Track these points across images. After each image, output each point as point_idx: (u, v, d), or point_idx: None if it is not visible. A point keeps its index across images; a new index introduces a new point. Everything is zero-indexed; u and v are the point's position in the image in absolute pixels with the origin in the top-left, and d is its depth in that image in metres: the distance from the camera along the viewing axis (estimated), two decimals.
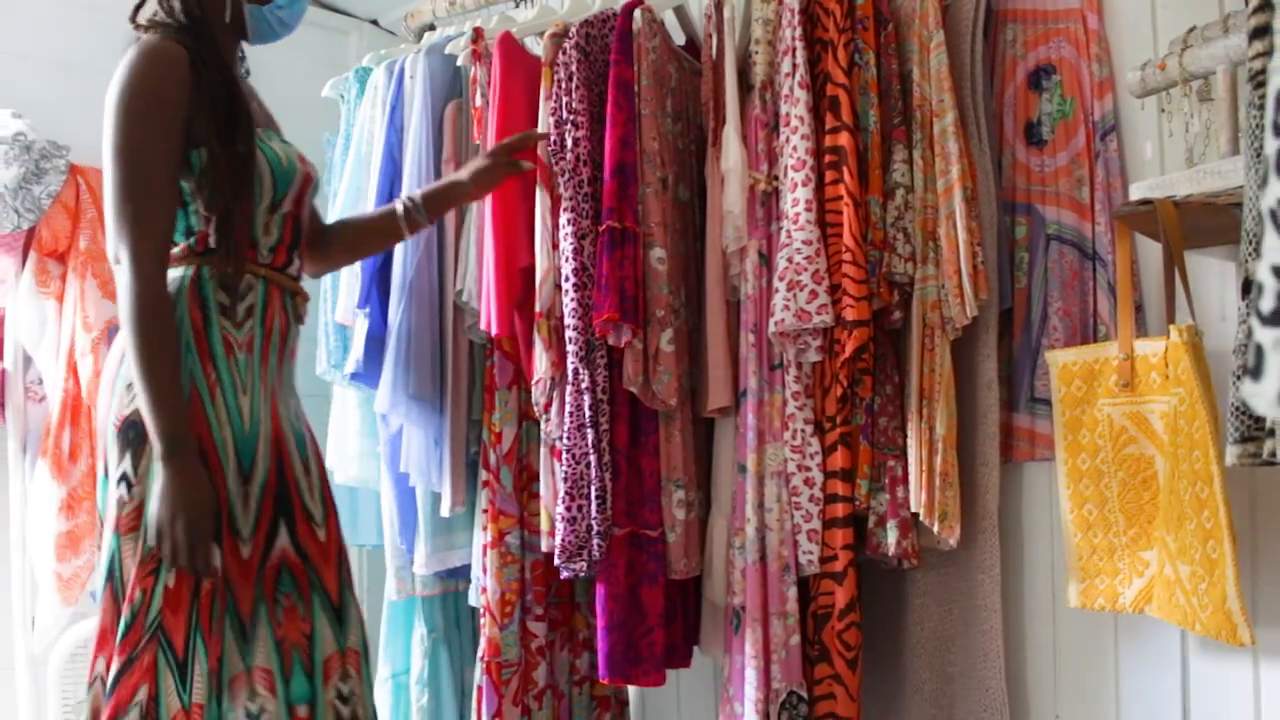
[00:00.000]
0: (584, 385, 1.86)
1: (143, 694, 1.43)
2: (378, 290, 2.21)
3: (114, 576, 1.49)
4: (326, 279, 2.42)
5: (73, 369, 2.19)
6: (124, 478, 1.49)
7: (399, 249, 2.16)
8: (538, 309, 1.93)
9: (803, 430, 1.85)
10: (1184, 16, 1.66)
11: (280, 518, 1.56)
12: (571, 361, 1.88)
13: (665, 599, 1.90)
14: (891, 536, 1.81)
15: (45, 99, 2.36)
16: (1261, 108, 1.20)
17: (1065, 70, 1.84)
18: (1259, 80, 1.21)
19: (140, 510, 1.47)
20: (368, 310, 2.19)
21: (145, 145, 1.50)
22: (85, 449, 2.17)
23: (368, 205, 2.24)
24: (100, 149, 1.53)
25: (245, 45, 1.75)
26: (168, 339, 1.48)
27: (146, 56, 1.52)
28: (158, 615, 1.45)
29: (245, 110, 1.60)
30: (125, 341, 1.48)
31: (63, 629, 2.13)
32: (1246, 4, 1.28)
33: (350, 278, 2.27)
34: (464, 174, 1.92)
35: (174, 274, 1.55)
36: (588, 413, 1.85)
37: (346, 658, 1.60)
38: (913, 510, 1.80)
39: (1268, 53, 1.17)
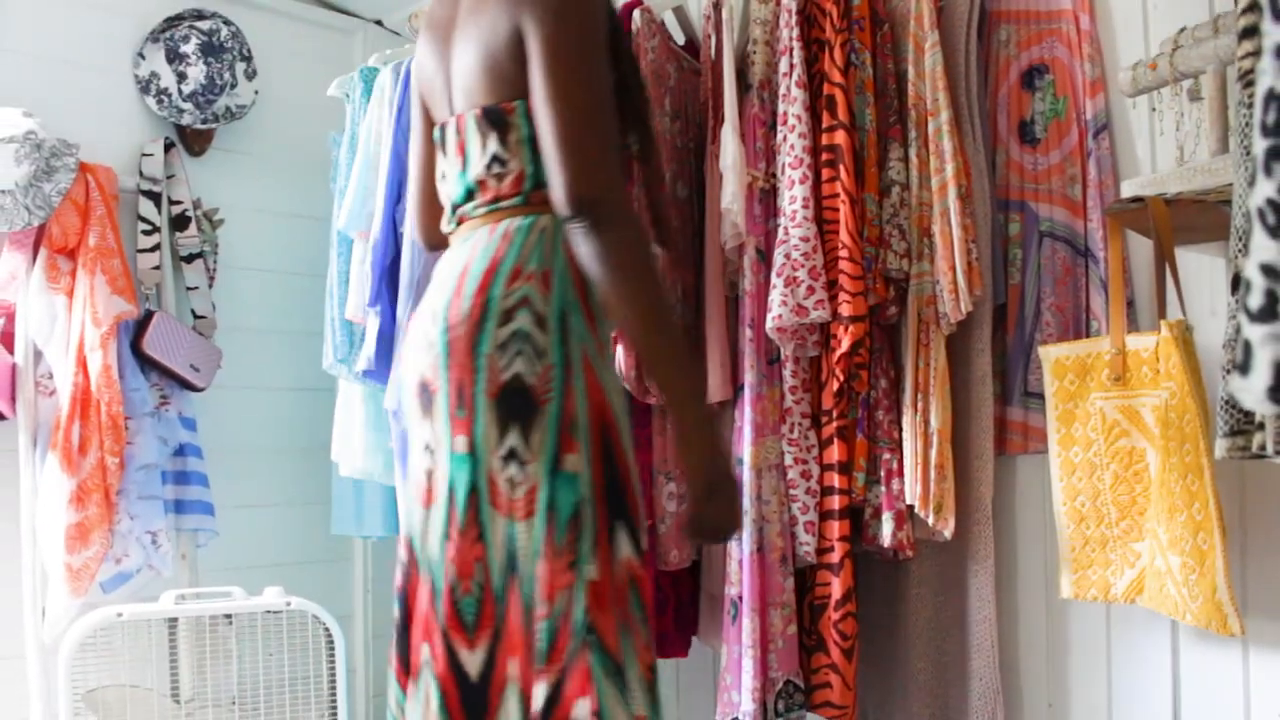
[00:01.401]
0: None
1: (584, 709, 1.24)
2: (387, 289, 2.24)
3: (517, 570, 1.28)
4: (333, 276, 2.45)
5: (82, 363, 2.22)
6: (512, 454, 1.27)
7: (407, 247, 2.20)
8: None
9: (800, 424, 1.88)
10: (1175, 17, 1.68)
11: None
12: None
13: (656, 590, 1.93)
14: (887, 528, 1.84)
15: (55, 98, 2.39)
16: (1251, 107, 1.22)
17: (1058, 70, 1.86)
18: (1248, 80, 1.23)
19: (535, 492, 1.27)
20: (378, 309, 2.22)
21: (601, 72, 1.34)
22: (94, 442, 2.20)
23: (377, 205, 2.27)
24: None
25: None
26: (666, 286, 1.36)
27: None
28: (585, 615, 1.25)
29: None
30: (628, 292, 1.27)
31: (72, 619, 2.16)
32: (1236, 4, 1.30)
33: (360, 276, 2.31)
34: None
35: (545, 220, 1.37)
36: None
37: None
38: (908, 502, 1.83)
39: (1256, 53, 1.18)
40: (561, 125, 1.29)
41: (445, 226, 1.49)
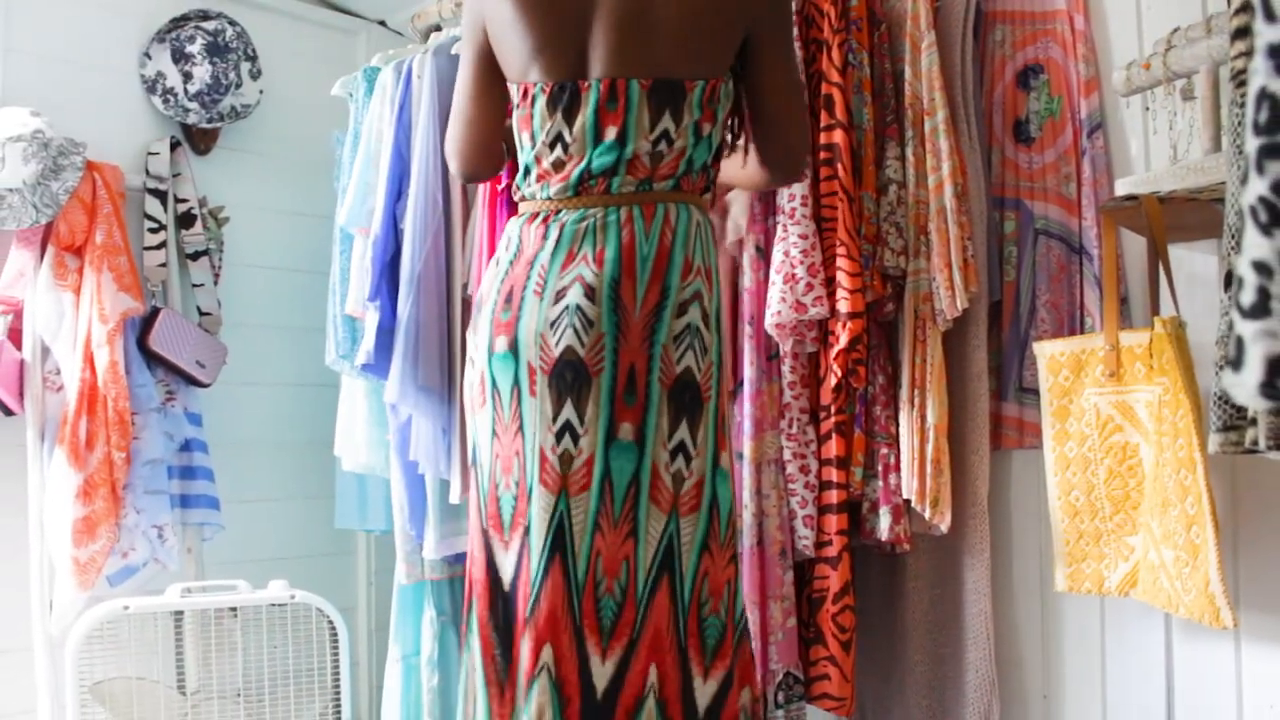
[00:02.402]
0: None
1: (746, 697, 1.25)
2: (387, 284, 2.26)
3: (673, 567, 1.26)
4: (336, 273, 2.48)
5: (89, 360, 2.24)
6: (681, 447, 1.28)
7: (407, 243, 2.22)
8: None
9: (799, 419, 1.90)
10: (1168, 17, 1.70)
11: None
12: None
13: None
14: (884, 522, 1.86)
15: (62, 98, 2.41)
16: (1243, 106, 1.23)
17: (1053, 70, 1.88)
18: (1240, 79, 1.24)
19: (700, 487, 1.27)
20: (378, 303, 2.24)
21: None
22: (101, 437, 2.22)
23: (377, 201, 2.29)
24: None
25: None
26: None
27: None
28: (742, 608, 1.26)
29: None
30: None
31: (79, 612, 2.18)
32: (1229, 5, 1.31)
33: (360, 271, 2.33)
34: None
35: (697, 214, 1.44)
36: None
37: None
38: (905, 497, 1.84)
39: (1249, 53, 1.20)
40: (803, 111, 1.48)
41: (551, 189, 1.41)
